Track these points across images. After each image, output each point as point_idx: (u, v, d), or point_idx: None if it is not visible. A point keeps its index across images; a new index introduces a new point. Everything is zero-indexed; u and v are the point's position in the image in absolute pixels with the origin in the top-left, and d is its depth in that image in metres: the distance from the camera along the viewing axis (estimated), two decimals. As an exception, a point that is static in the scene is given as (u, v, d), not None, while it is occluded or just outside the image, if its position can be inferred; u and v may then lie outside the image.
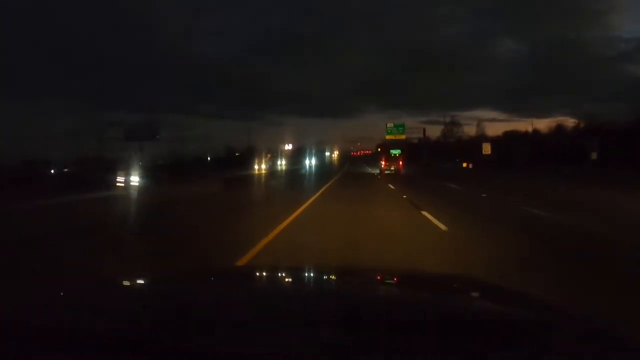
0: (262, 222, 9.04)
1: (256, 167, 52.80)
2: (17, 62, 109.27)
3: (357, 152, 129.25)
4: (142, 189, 19.74)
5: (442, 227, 8.40)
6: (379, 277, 2.15)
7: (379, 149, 62.60)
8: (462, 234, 7.83)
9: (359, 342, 1.08)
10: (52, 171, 37.05)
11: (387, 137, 54.11)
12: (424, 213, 10.42)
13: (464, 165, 51.92)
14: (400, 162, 44.48)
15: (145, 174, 24.35)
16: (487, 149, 47.19)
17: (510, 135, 65.41)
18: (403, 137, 54.22)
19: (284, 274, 2.20)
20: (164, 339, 1.03)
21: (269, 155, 65.29)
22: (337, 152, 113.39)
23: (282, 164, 66.58)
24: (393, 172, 41.53)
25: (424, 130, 59.53)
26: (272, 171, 53.20)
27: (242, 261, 5.61)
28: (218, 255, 6.14)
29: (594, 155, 35.23)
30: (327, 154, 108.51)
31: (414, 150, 66.28)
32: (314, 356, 0.98)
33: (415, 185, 23.99)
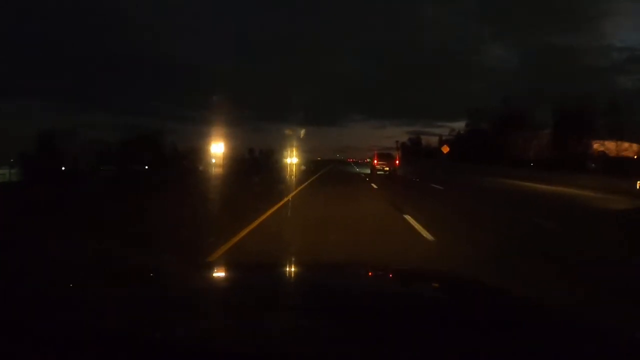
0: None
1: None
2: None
3: (348, 159, 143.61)
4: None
5: (375, 187, 19.79)
6: (370, 272, 2.22)
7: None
8: (383, 189, 19.15)
9: (350, 336, 1.08)
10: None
11: None
12: (372, 184, 21.82)
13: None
14: (397, 162, 36.33)
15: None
16: (445, 149, 59.68)
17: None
18: None
19: (271, 270, 2.19)
20: (145, 336, 1.02)
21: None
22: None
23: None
24: (387, 172, 33.43)
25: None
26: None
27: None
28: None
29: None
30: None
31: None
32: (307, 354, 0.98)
33: (383, 176, 35.18)
